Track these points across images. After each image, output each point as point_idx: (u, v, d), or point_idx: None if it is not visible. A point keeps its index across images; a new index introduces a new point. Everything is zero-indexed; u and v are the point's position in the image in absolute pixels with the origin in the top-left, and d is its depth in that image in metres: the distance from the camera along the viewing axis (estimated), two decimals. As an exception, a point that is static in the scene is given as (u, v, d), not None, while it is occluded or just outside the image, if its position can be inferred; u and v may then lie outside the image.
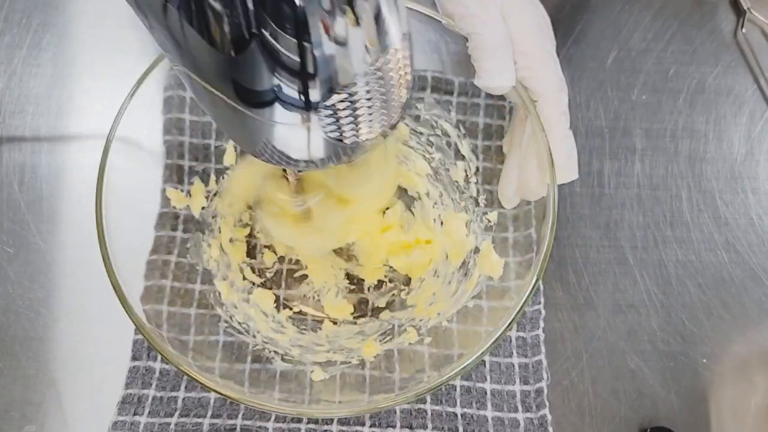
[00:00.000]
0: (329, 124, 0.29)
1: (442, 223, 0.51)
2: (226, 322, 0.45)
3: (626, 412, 0.48)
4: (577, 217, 0.54)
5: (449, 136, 0.50)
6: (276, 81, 0.26)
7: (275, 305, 0.49)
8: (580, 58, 0.59)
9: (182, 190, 0.47)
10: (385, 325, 0.48)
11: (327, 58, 0.25)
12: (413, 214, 0.52)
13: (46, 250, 0.50)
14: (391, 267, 0.50)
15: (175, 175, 0.47)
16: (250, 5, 0.23)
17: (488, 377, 0.47)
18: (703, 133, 0.58)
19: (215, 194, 0.49)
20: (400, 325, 0.47)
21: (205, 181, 0.48)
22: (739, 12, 0.62)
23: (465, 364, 0.38)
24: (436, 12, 0.43)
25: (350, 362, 0.44)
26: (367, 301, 0.50)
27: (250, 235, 0.51)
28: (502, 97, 0.46)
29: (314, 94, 0.27)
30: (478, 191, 0.49)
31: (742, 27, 0.61)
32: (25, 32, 0.57)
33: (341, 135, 0.30)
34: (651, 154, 0.56)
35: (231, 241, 0.49)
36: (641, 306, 0.51)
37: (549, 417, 0.46)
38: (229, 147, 0.50)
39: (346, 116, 0.29)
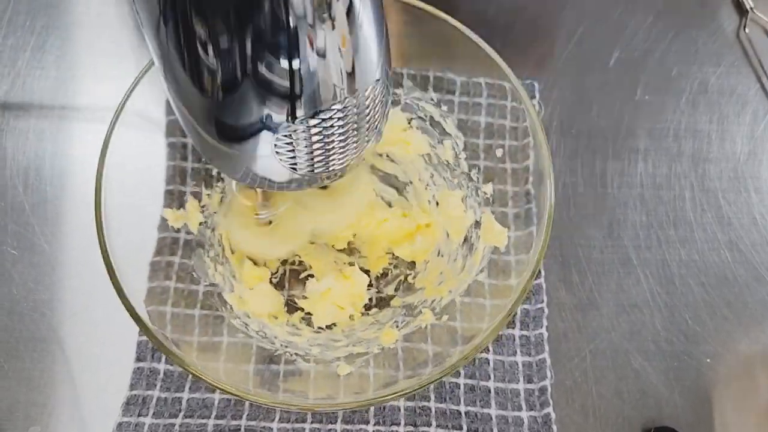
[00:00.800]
0: (298, 153, 0.30)
1: (437, 203, 0.51)
2: (243, 333, 0.45)
3: (630, 412, 0.48)
4: (581, 217, 0.54)
5: (432, 117, 0.50)
6: (256, 105, 0.28)
7: (286, 309, 0.49)
8: (582, 59, 0.59)
9: (180, 206, 0.47)
10: (399, 311, 0.48)
11: (310, 81, 0.27)
12: (407, 200, 0.52)
13: (50, 252, 0.50)
14: (394, 254, 0.51)
15: (179, 176, 0.47)
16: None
17: (492, 375, 0.47)
18: (706, 132, 0.58)
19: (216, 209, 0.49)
20: (414, 308, 0.47)
21: (202, 195, 0.48)
22: (742, 12, 0.62)
23: (493, 327, 0.38)
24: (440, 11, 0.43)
25: (372, 352, 0.44)
26: (377, 292, 0.50)
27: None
28: (503, 97, 0.46)
29: (297, 113, 0.28)
30: (469, 167, 0.49)
31: (744, 27, 0.61)
32: (28, 35, 0.57)
33: (311, 164, 0.32)
34: (654, 154, 0.56)
35: (231, 251, 0.49)
36: (645, 306, 0.51)
37: (553, 415, 0.46)
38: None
39: (316, 147, 0.30)
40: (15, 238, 0.50)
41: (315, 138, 0.30)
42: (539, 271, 0.50)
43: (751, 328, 0.51)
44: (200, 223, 0.47)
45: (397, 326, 0.46)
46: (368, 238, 0.50)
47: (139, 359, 0.46)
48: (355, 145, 0.32)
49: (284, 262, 0.50)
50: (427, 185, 0.52)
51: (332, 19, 0.26)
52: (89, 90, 0.56)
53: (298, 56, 0.26)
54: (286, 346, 0.45)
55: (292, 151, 0.30)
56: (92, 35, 0.58)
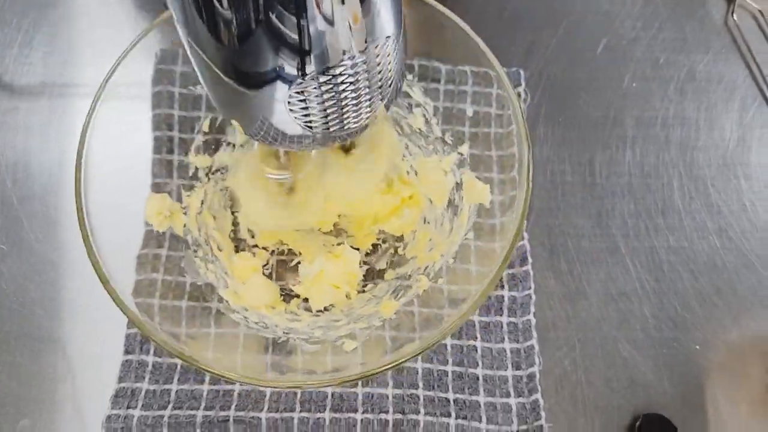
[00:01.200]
0: (310, 108, 0.30)
1: (416, 172, 0.51)
2: (244, 325, 0.45)
3: (619, 400, 0.48)
4: (569, 206, 0.54)
5: None
6: (269, 57, 0.27)
7: (282, 298, 0.49)
8: (570, 47, 0.59)
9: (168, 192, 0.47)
10: (394, 283, 0.48)
11: (317, 35, 0.27)
12: (387, 174, 0.52)
13: (40, 247, 0.50)
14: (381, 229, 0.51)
15: (164, 169, 0.47)
16: None
17: (480, 363, 0.47)
18: (694, 120, 0.57)
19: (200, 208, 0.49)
20: (409, 277, 0.48)
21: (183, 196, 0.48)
22: (730, -2, 0.62)
23: (493, 275, 0.38)
24: None
25: (374, 325, 0.45)
26: (369, 268, 0.50)
27: (236, 239, 0.51)
28: (489, 84, 0.46)
29: (306, 68, 0.28)
30: (443, 131, 0.49)
31: (732, 13, 0.61)
32: (16, 32, 0.57)
33: (326, 122, 0.31)
34: (642, 142, 0.56)
35: (219, 249, 0.49)
36: (633, 294, 0.51)
37: (541, 402, 0.46)
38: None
39: (329, 104, 0.30)
40: (4, 234, 0.51)
41: (326, 95, 0.30)
42: (527, 258, 0.51)
43: (740, 314, 0.51)
44: (184, 225, 0.47)
45: (396, 297, 0.46)
46: (354, 218, 0.50)
47: (127, 352, 0.46)
48: (368, 102, 0.32)
49: (273, 252, 0.50)
50: (404, 156, 0.52)
51: None
52: (77, 86, 0.56)
53: (306, 11, 0.26)
54: (288, 333, 0.45)
55: (306, 108, 0.30)
56: (80, 32, 0.58)
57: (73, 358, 0.47)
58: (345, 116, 0.32)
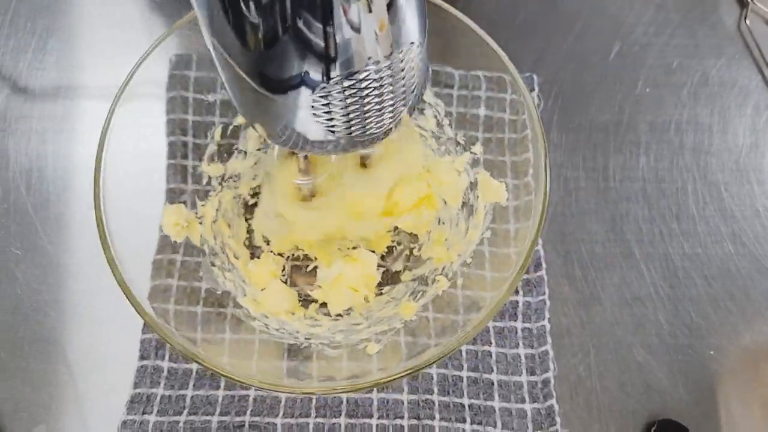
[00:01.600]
0: (333, 113, 0.30)
1: (429, 172, 0.51)
2: (264, 332, 0.45)
3: (634, 406, 0.48)
4: (583, 212, 0.54)
5: None
6: (295, 62, 0.27)
7: (300, 303, 0.49)
8: (582, 53, 0.59)
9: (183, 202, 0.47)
10: (411, 285, 0.48)
11: (344, 41, 0.27)
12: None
13: (54, 252, 0.50)
14: (396, 230, 0.51)
15: (179, 174, 0.47)
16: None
17: (495, 368, 0.47)
18: (707, 125, 0.57)
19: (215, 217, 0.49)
20: (426, 278, 0.48)
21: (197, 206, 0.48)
22: (742, 3, 0.61)
23: (510, 281, 0.38)
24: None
25: (395, 327, 0.45)
26: (385, 270, 0.50)
27: (251, 246, 0.51)
28: (503, 89, 0.46)
29: (331, 73, 0.28)
30: (456, 133, 0.49)
31: (745, 18, 0.61)
32: (29, 36, 0.58)
33: (348, 127, 0.31)
34: (656, 147, 0.56)
35: (236, 257, 0.49)
36: (648, 299, 0.51)
37: (556, 407, 0.46)
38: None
39: (352, 108, 0.30)
40: (18, 239, 0.51)
41: (350, 100, 0.30)
42: (541, 263, 0.50)
43: (754, 320, 0.51)
44: (200, 235, 0.47)
45: (415, 298, 0.47)
46: (368, 224, 0.50)
47: (142, 357, 0.46)
48: (391, 108, 0.32)
49: (288, 258, 0.50)
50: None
51: None
52: (90, 91, 0.56)
53: (333, 18, 0.26)
54: (310, 338, 0.45)
55: (329, 112, 0.30)
56: (93, 37, 0.58)
57: (87, 363, 0.47)
58: (368, 121, 0.31)
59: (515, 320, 0.49)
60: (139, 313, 0.37)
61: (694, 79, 0.59)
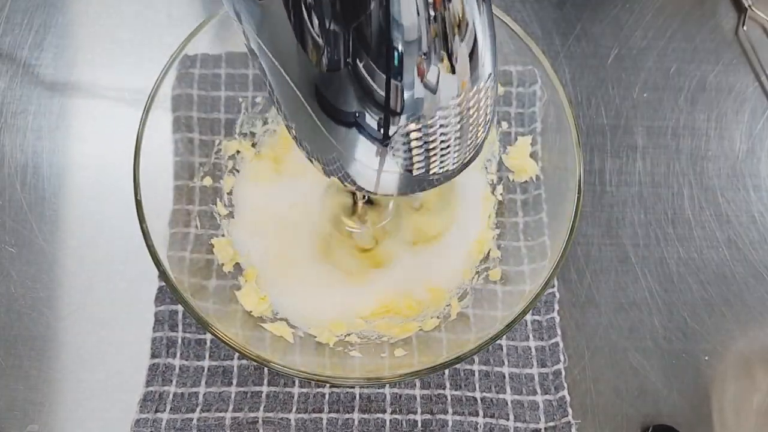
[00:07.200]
0: (402, 155, 0.28)
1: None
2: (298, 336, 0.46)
3: (628, 410, 0.48)
4: (579, 216, 0.54)
5: None
6: (358, 109, 0.26)
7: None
8: (580, 56, 0.59)
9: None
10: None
11: (414, 100, 0.25)
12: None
13: (48, 250, 0.50)
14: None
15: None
16: (349, 38, 0.23)
17: (506, 361, 0.48)
18: (704, 130, 0.57)
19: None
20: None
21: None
22: (740, 9, 0.62)
23: (547, 276, 0.40)
24: None
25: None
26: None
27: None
28: (533, 83, 0.46)
29: (393, 128, 0.27)
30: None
31: (743, 24, 0.61)
32: (26, 33, 0.57)
33: (411, 166, 0.30)
34: (652, 151, 0.56)
35: None
36: (643, 304, 0.51)
37: (568, 398, 0.47)
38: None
39: (419, 149, 0.28)
40: (13, 236, 0.50)
41: (414, 144, 0.28)
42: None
43: (749, 326, 0.51)
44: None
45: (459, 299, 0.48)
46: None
47: (154, 355, 0.46)
48: (457, 149, 0.30)
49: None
50: None
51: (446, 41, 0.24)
52: (87, 88, 0.56)
53: (404, 70, 0.24)
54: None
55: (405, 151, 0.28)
56: (90, 34, 0.58)
57: (81, 362, 0.47)
58: (432, 162, 0.30)
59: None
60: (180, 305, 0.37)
61: (691, 84, 0.59)
